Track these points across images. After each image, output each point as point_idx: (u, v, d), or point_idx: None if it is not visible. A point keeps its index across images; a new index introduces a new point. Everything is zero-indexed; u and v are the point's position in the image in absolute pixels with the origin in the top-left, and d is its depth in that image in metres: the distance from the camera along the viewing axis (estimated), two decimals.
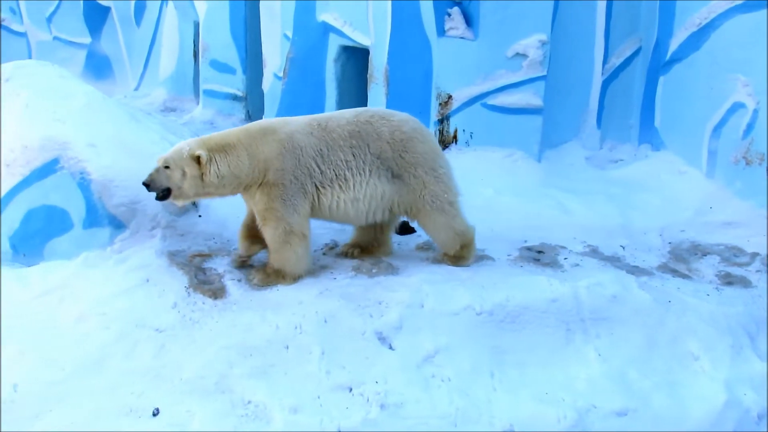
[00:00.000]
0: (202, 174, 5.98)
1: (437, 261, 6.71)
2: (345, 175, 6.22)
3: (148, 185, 5.98)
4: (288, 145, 6.09)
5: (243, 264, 6.52)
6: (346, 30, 10.56)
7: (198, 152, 5.95)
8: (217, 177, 5.99)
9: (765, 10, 8.22)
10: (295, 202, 6.11)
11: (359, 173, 6.25)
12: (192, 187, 6.01)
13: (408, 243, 7.20)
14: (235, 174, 6.03)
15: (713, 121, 8.77)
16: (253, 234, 6.41)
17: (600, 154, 9.93)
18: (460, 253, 6.62)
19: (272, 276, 6.22)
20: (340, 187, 6.22)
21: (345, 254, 6.76)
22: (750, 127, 8.32)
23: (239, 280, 6.22)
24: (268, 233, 6.16)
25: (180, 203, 6.33)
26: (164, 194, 6.02)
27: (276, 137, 6.12)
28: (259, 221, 6.19)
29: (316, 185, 6.18)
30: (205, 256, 6.60)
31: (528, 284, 6.17)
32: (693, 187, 8.74)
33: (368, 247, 6.74)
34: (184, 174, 5.96)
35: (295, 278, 6.26)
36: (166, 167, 5.96)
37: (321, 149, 6.18)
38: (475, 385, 5.40)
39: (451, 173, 6.63)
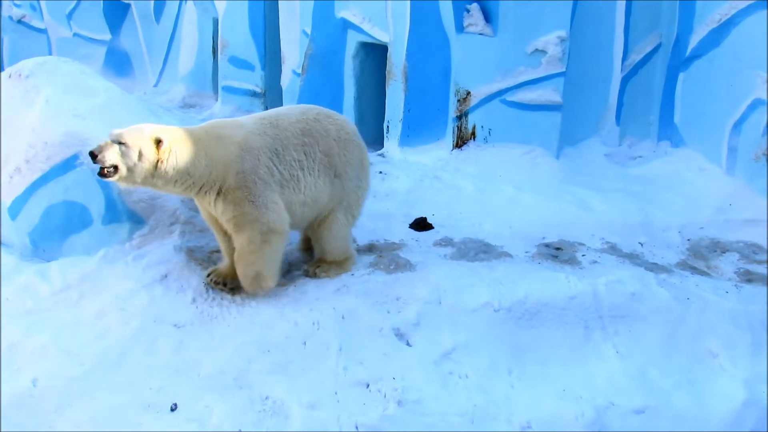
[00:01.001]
0: (158, 161, 5.53)
1: (308, 274, 6.38)
2: (297, 175, 6.02)
3: (95, 156, 5.42)
4: (245, 147, 5.79)
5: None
6: (365, 26, 10.55)
7: (160, 136, 5.54)
8: (173, 169, 5.57)
9: None
10: (265, 200, 5.82)
11: (309, 173, 6.07)
12: (142, 172, 5.51)
13: (426, 240, 7.19)
14: (189, 172, 5.64)
15: (733, 118, 8.72)
16: None
17: (619, 150, 9.89)
18: (342, 262, 6.41)
19: (253, 283, 5.97)
20: (293, 189, 6.01)
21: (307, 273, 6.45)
22: None
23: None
24: (242, 238, 5.84)
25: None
26: (109, 172, 5.47)
27: (233, 140, 5.81)
28: (230, 228, 5.90)
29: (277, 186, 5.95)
30: None
31: (546, 281, 6.17)
32: (713, 184, 8.70)
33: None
34: (140, 155, 5.47)
35: (275, 281, 6.05)
36: (121, 143, 5.45)
37: (276, 149, 5.94)
38: (493, 382, 5.40)
39: (367, 192, 6.60)
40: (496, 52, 9.25)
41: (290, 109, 6.42)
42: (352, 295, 5.93)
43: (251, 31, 13.20)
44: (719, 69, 9.00)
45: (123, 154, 5.45)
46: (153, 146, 5.51)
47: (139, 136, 5.51)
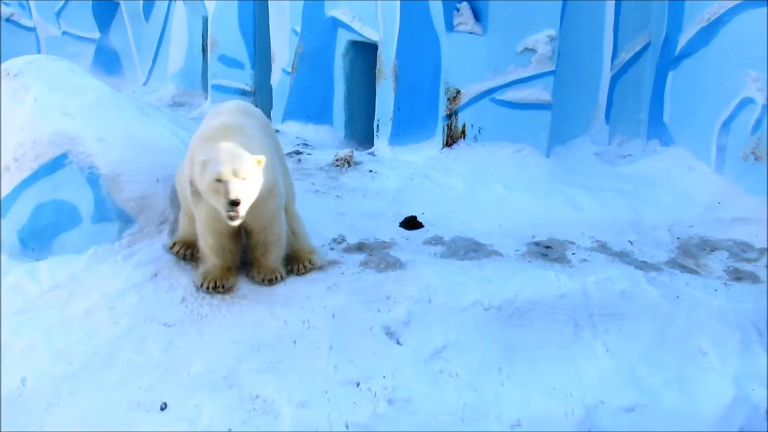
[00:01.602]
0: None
1: (305, 270, 6.27)
2: (273, 168, 6.02)
3: (238, 203, 5.26)
4: (262, 144, 5.76)
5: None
6: (355, 25, 10.56)
7: (258, 158, 5.41)
8: (262, 185, 5.52)
9: None
10: (281, 186, 5.98)
11: (276, 165, 6.05)
12: (255, 199, 5.50)
13: (416, 238, 7.19)
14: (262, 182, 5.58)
15: (723, 117, 8.75)
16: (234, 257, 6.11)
17: (609, 149, 9.92)
18: (316, 250, 6.45)
19: (278, 267, 6.11)
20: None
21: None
22: (759, 123, 8.30)
23: (247, 275, 6.21)
24: (280, 224, 5.99)
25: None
26: (239, 212, 5.33)
27: (255, 140, 5.73)
28: (269, 223, 5.88)
29: None
30: None
31: (536, 280, 6.17)
32: (702, 183, 8.74)
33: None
34: (257, 184, 5.45)
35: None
36: (243, 179, 5.31)
37: (267, 143, 6.01)
38: (483, 380, 5.40)
39: None
40: (486, 51, 9.26)
41: (248, 105, 6.53)
42: (343, 294, 5.92)
43: (241, 30, 13.19)
44: (708, 68, 9.03)
45: (248, 190, 5.38)
46: (259, 170, 5.43)
47: (250, 165, 5.36)
